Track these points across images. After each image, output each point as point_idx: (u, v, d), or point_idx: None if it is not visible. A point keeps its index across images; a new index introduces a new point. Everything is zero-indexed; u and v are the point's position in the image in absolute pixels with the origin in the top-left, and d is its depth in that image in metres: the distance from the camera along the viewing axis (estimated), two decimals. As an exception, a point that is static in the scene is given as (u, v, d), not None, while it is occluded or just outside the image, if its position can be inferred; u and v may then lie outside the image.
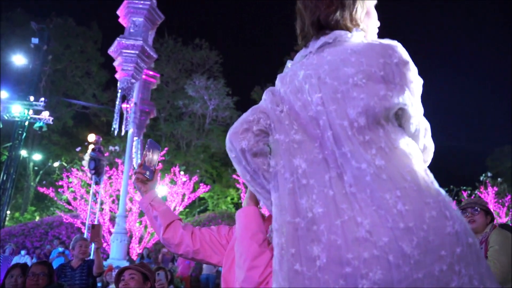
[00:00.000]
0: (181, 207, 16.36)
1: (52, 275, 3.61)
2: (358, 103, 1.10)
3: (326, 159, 1.13)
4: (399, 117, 1.18)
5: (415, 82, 1.18)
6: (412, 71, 1.17)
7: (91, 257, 5.75)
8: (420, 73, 1.22)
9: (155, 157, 1.66)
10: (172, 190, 16.19)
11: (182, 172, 17.26)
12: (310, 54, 1.27)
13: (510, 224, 15.37)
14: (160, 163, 16.35)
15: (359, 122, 1.09)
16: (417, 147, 1.18)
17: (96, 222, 12.35)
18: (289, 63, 1.38)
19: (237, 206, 25.95)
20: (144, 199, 1.59)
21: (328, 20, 1.25)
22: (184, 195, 16.41)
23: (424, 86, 1.24)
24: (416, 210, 1.00)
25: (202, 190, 17.74)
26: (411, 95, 1.16)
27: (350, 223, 1.02)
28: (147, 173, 1.61)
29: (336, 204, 1.06)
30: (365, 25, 1.31)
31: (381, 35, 1.33)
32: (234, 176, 18.73)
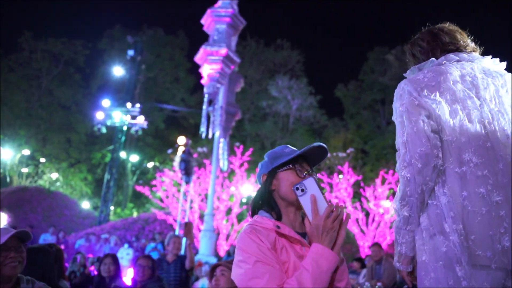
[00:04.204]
0: (266, 206, 16.72)
1: (155, 268, 4.05)
2: None
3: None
4: None
5: None
6: None
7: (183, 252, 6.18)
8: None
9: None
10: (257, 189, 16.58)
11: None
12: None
13: None
14: (245, 163, 16.89)
15: None
16: None
17: (187, 220, 13.16)
18: None
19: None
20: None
21: None
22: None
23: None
24: None
25: (286, 189, 17.93)
26: None
27: None
28: None
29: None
30: None
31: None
32: (319, 175, 18.61)
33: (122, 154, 26.00)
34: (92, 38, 30.46)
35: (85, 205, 25.60)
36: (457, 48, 1.64)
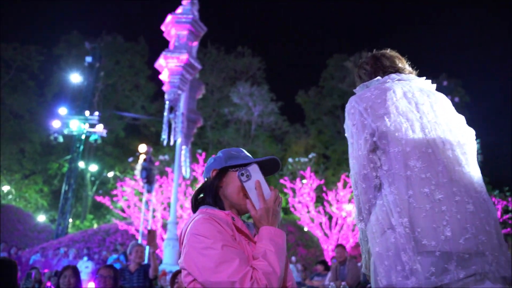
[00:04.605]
0: (230, 212, 16.64)
1: (117, 278, 3.91)
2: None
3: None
4: None
5: None
6: None
7: (146, 261, 6.03)
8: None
9: None
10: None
11: (230, 179, 17.51)
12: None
13: None
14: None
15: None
16: None
17: (149, 229, 12.87)
18: None
19: (285, 211, 25.92)
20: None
21: None
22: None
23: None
24: (489, 200, 1.60)
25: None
26: None
27: (462, 201, 1.51)
28: None
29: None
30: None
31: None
32: (282, 181, 18.81)
33: (81, 164, 25.13)
34: (48, 44, 29.39)
35: (41, 218, 24.49)
36: (396, 70, 1.93)
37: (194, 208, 1.57)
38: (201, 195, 1.59)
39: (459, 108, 29.94)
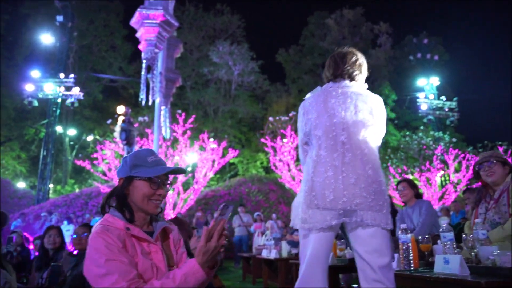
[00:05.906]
0: (212, 172, 16.71)
1: None
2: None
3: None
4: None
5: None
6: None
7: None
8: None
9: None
10: (202, 157, 16.51)
11: (211, 139, 17.49)
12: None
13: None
14: (188, 131, 16.65)
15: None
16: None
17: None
18: None
19: (267, 169, 26.18)
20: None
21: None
22: (214, 161, 16.73)
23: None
24: (375, 175, 2.17)
25: (231, 155, 17.98)
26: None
27: (347, 177, 2.14)
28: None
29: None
30: None
31: None
32: (263, 140, 18.85)
33: (58, 129, 24.63)
34: (13, 2, 27.80)
35: (21, 185, 24.18)
36: (330, 80, 2.43)
37: (102, 209, 1.70)
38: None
39: (438, 66, 30.22)
